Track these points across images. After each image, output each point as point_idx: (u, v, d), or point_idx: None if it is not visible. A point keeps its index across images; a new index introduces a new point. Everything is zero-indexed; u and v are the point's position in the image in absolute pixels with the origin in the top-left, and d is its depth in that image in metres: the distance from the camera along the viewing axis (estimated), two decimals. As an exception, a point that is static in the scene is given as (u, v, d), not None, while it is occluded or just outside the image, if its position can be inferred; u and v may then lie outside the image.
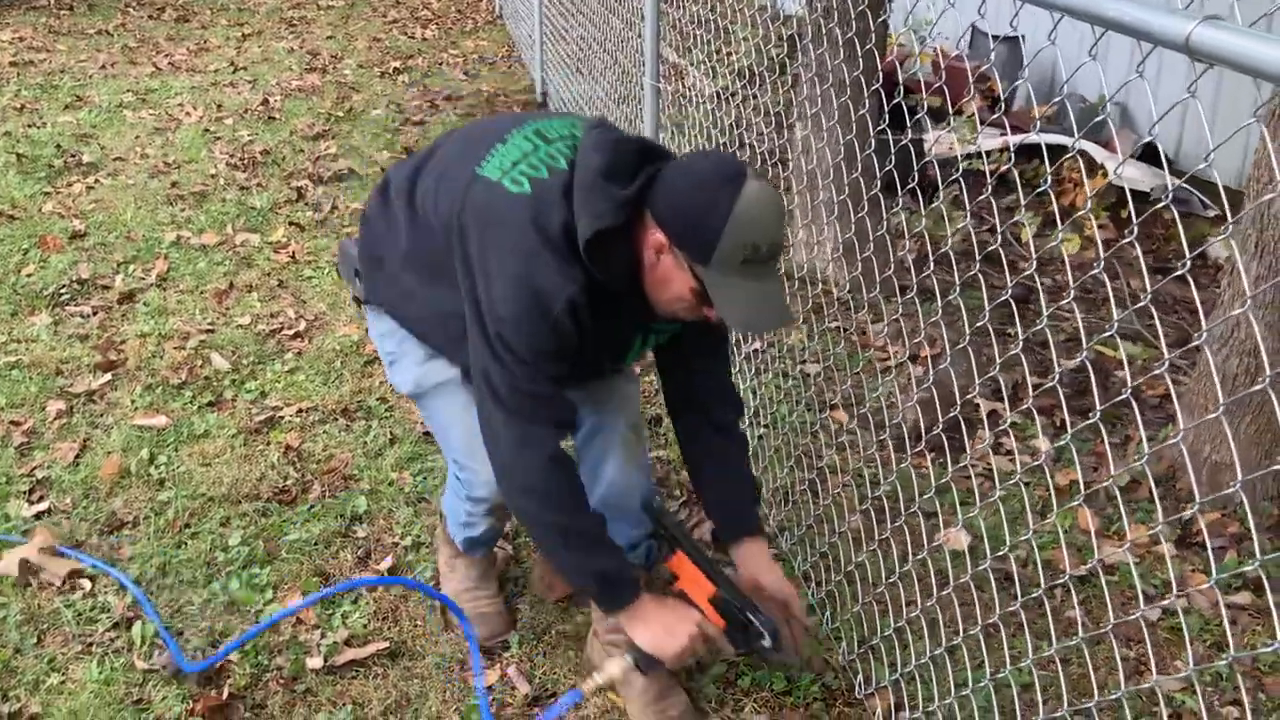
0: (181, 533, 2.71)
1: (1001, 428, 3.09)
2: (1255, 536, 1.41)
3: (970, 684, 2.16)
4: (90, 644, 2.35)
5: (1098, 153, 4.96)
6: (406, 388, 2.17)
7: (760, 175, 1.73)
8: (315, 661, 2.31)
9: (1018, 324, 3.10)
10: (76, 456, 2.99)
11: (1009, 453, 3.10)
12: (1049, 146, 4.77)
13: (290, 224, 4.59)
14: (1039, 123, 1.77)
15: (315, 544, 2.68)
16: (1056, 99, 5.41)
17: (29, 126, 5.71)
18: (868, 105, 3.24)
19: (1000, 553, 2.00)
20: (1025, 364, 1.99)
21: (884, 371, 3.45)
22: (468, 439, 2.03)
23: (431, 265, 1.95)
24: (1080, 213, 2.24)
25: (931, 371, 2.12)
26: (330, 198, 4.89)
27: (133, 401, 3.26)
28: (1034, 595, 1.87)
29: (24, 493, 2.83)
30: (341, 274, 2.29)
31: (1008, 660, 1.99)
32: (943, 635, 2.08)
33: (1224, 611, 1.87)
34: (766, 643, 1.92)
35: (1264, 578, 2.45)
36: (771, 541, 2.63)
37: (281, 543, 2.68)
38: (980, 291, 3.76)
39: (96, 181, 5.00)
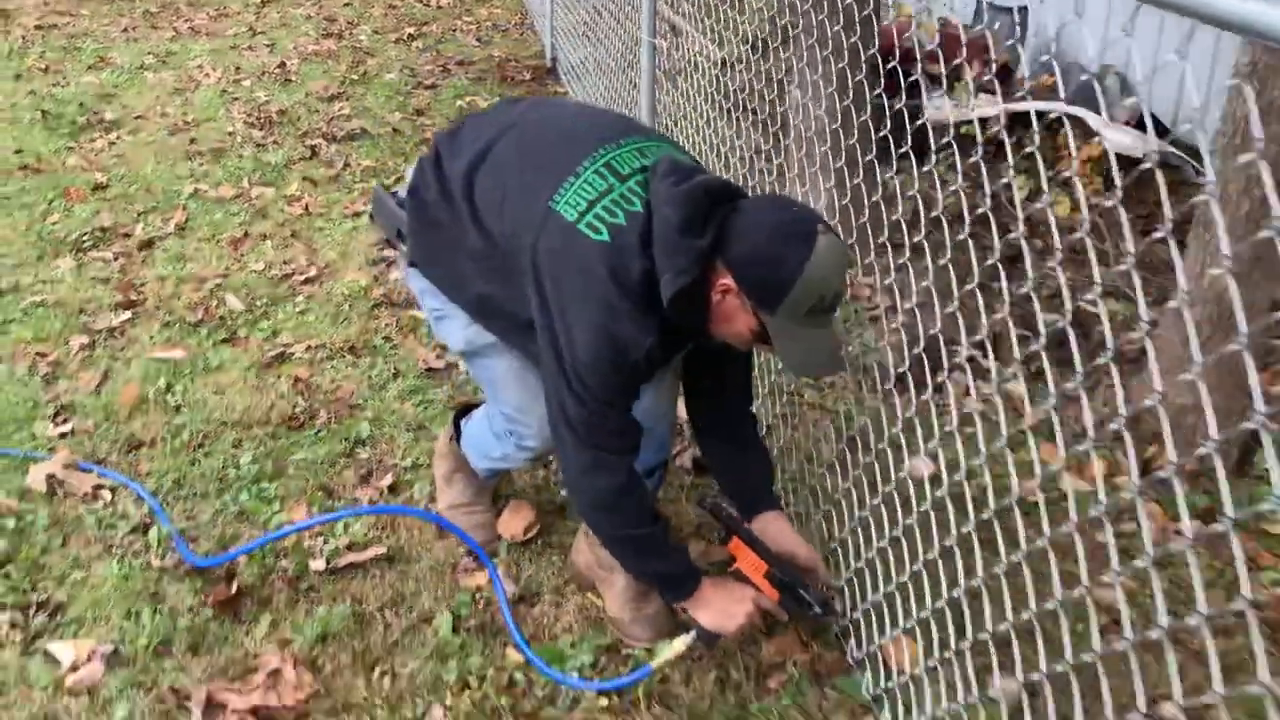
0: (195, 452, 2.91)
1: (990, 369, 3.25)
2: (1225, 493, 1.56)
3: (929, 600, 2.33)
4: (110, 546, 2.56)
5: (1093, 120, 5.10)
6: (457, 346, 2.27)
7: (830, 230, 1.84)
8: (318, 564, 2.51)
9: (1003, 279, 3.26)
10: (98, 385, 3.20)
11: (986, 398, 3.27)
12: (1041, 114, 4.93)
13: (304, 179, 4.78)
14: (1027, 92, 1.89)
15: (320, 463, 2.87)
16: (1039, 67, 5.54)
17: (53, 86, 5.92)
18: (864, 71, 3.40)
19: (957, 478, 2.14)
20: (1010, 320, 2.14)
21: (871, 321, 3.61)
22: (521, 396, 2.22)
23: (496, 271, 2.05)
24: (1066, 173, 2.40)
25: (918, 319, 2.28)
26: (343, 155, 5.08)
27: (151, 337, 3.47)
28: (984, 517, 1.99)
29: (49, 415, 3.04)
30: (376, 220, 2.41)
31: (961, 575, 2.13)
32: (907, 557, 2.25)
33: (1143, 520, 2.03)
34: (817, 610, 2.14)
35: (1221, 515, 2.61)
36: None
37: (289, 462, 2.88)
38: (968, 252, 3.90)
39: (118, 138, 5.21)
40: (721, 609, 2.13)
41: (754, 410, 2.37)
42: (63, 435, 2.96)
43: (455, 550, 2.57)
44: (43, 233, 4.17)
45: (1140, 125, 5.19)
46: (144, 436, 2.97)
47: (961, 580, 1.92)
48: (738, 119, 4.31)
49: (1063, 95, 1.83)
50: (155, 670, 2.22)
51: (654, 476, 2.31)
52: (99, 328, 3.51)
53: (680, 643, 2.16)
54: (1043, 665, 1.68)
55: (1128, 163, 4.85)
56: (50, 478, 2.75)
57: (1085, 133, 5.08)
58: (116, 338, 3.47)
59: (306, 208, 4.48)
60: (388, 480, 2.81)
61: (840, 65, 3.77)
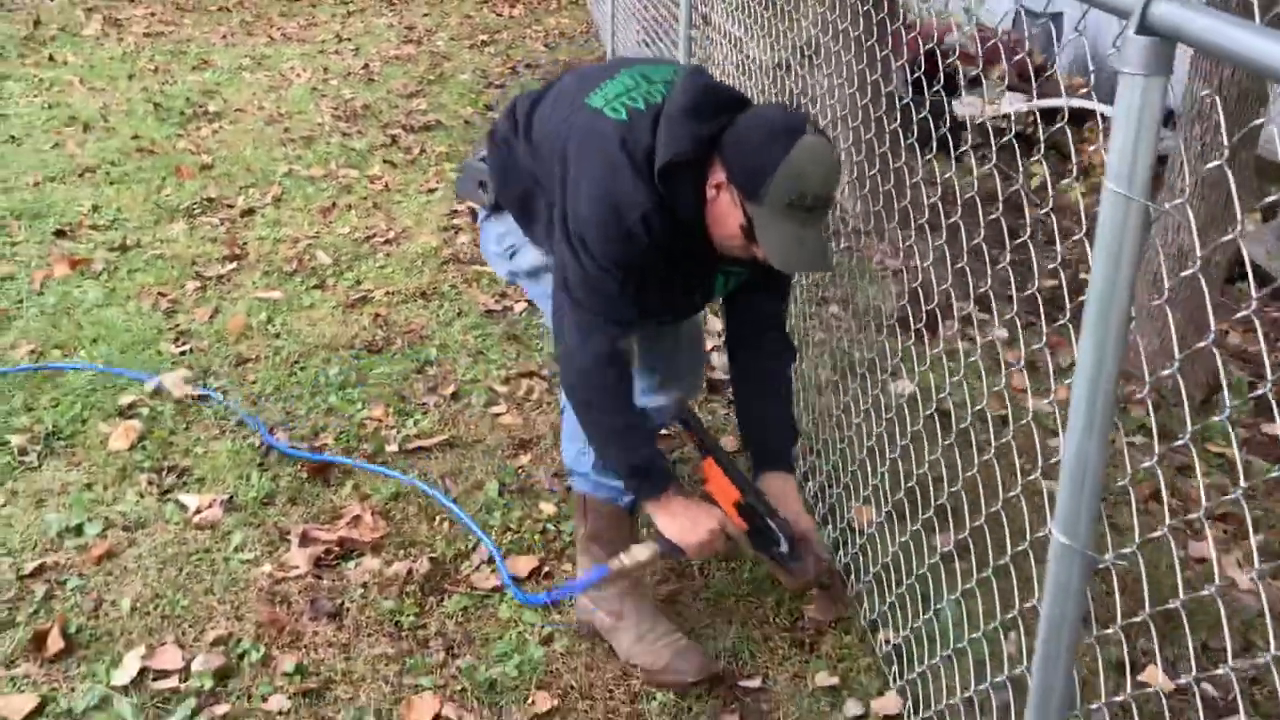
0: (292, 367, 3.53)
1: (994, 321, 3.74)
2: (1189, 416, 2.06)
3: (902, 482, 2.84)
4: (224, 430, 3.17)
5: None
6: (527, 265, 2.33)
7: (821, 132, 1.93)
8: (392, 446, 3.10)
9: (1006, 246, 3.76)
10: (210, 317, 3.84)
11: (971, 339, 3.77)
12: (1072, 111, 5.42)
13: (385, 162, 5.44)
14: (1032, 90, 2.42)
15: (395, 377, 3.47)
16: (1073, 68, 6.01)
17: (162, 84, 6.68)
18: (888, 64, 3.91)
19: (942, 397, 2.61)
20: (1013, 278, 2.64)
21: (881, 278, 4.13)
22: None
23: (547, 181, 2.15)
24: (1085, 163, 2.90)
25: (933, 277, 2.80)
26: (420, 143, 5.73)
27: (253, 282, 4.11)
28: (961, 429, 2.42)
29: (171, 339, 3.68)
30: (460, 191, 2.46)
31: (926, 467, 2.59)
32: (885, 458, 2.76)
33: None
34: (783, 548, 2.12)
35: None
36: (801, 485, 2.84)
37: (370, 375, 3.48)
38: (981, 228, 4.40)
39: (220, 127, 5.92)
40: (686, 523, 2.13)
41: (791, 373, 2.41)
42: (182, 353, 3.59)
43: (503, 439, 3.14)
44: (158, 202, 4.86)
45: (1168, 119, 5.64)
46: (249, 355, 3.59)
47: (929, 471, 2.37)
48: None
49: (1090, 94, 2.32)
50: (262, 515, 2.82)
51: (667, 410, 2.38)
52: (209, 275, 4.16)
53: (643, 549, 2.21)
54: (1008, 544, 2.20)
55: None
56: (176, 380, 3.38)
57: (1108, 129, 5.55)
58: (224, 283, 4.12)
59: (386, 185, 5.13)
60: (451, 389, 3.40)
61: (861, 67, 4.30)
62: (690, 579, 2.64)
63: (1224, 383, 1.53)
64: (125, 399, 3.28)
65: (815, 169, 1.90)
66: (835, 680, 2.33)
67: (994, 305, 2.40)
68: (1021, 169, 5.02)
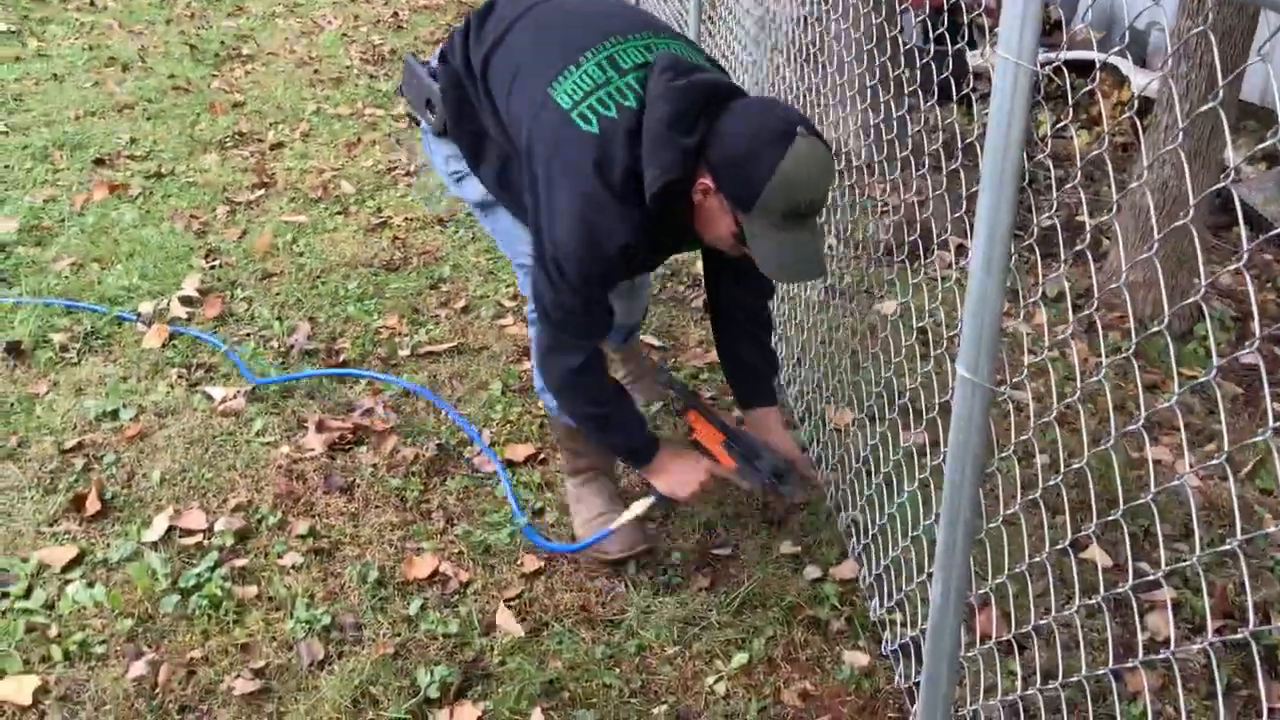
0: (315, 281, 3.78)
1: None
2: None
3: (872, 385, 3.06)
4: (249, 335, 3.43)
5: (1126, 67, 5.69)
6: (475, 198, 2.36)
7: (812, 132, 1.88)
8: (404, 351, 3.35)
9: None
10: (239, 237, 4.10)
11: (962, 267, 3.96)
12: (1085, 62, 5.57)
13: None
14: (1064, 45, 2.59)
15: (409, 292, 3.71)
16: (1087, 22, 6.14)
17: (198, 29, 6.93)
18: (895, 12, 4.07)
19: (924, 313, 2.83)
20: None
21: (878, 214, 4.32)
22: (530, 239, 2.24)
23: (505, 148, 2.18)
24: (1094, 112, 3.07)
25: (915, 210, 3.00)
26: (444, 86, 5.96)
27: (280, 208, 4.36)
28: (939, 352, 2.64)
29: (201, 255, 3.94)
30: (406, 93, 2.49)
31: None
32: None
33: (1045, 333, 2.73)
34: (770, 478, 2.31)
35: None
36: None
37: (387, 290, 3.72)
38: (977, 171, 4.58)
39: (253, 68, 6.17)
40: (677, 475, 2.30)
41: (769, 306, 2.49)
42: (212, 268, 3.85)
43: (508, 346, 3.38)
44: (193, 135, 5.12)
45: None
46: (274, 270, 3.85)
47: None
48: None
49: (1098, 47, 2.49)
50: (282, 406, 3.07)
51: (630, 338, 2.69)
52: (239, 200, 4.42)
53: (639, 505, 2.37)
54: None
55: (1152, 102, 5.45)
56: (198, 296, 3.64)
57: (1119, 80, 5.70)
58: (253, 208, 4.37)
59: (409, 123, 5.36)
60: (462, 303, 3.64)
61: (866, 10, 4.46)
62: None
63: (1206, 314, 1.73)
64: (158, 305, 3.54)
65: (809, 175, 1.87)
66: (798, 549, 2.56)
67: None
68: (1042, 117, 5.18)
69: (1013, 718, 2.06)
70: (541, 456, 2.90)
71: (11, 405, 3.01)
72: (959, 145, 2.02)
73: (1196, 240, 1.64)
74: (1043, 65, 5.89)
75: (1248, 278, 1.50)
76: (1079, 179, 1.76)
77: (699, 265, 2.84)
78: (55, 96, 5.55)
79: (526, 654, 2.28)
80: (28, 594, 2.38)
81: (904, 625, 2.24)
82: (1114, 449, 1.72)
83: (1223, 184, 3.12)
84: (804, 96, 3.52)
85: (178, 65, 6.14)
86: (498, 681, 2.21)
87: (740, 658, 2.27)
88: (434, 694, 2.17)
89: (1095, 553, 2.48)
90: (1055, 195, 1.86)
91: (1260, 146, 1.28)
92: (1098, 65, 1.75)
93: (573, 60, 2.03)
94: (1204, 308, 1.61)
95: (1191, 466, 2.93)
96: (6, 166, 4.63)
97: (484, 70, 2.16)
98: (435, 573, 2.48)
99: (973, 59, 5.65)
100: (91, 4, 7.34)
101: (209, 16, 7.23)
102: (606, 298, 2.10)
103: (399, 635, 2.32)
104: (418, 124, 2.47)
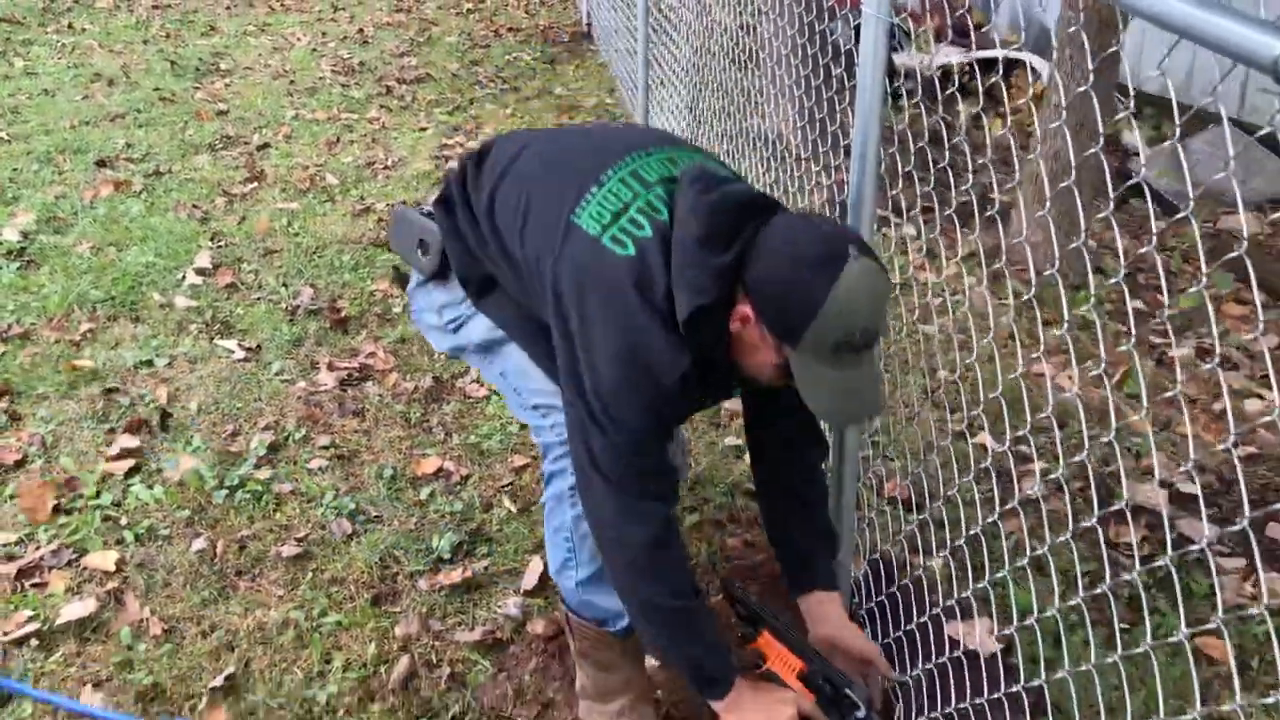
0: (311, 255, 4.29)
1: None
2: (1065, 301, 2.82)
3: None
4: (259, 299, 3.94)
5: (1039, 64, 6.35)
6: (479, 338, 2.08)
7: (866, 253, 1.65)
8: (397, 309, 3.87)
9: (931, 168, 4.56)
10: (239, 222, 4.60)
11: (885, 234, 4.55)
12: (1012, 60, 6.21)
13: (381, 107, 6.21)
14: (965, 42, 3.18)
15: (398, 261, 4.24)
16: (1004, 24, 6.79)
17: (176, 47, 7.43)
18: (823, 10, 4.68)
19: None
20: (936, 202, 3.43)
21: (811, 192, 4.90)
22: (549, 381, 1.98)
23: (526, 295, 1.95)
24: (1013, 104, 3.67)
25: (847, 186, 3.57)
26: (412, 92, 6.50)
27: (273, 198, 4.88)
28: None
29: (207, 238, 4.44)
30: (393, 244, 2.26)
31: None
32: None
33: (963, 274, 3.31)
34: (861, 713, 1.91)
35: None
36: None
37: (376, 261, 4.25)
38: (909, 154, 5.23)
39: (232, 81, 6.68)
40: (757, 716, 1.86)
41: (825, 466, 2.18)
42: (218, 247, 4.36)
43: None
44: (183, 140, 5.62)
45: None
46: (275, 248, 4.36)
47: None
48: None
49: (1014, 46, 3.08)
50: (295, 352, 3.58)
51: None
52: (234, 193, 4.92)
53: None
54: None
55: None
56: (210, 268, 4.14)
57: (1034, 75, 6.35)
58: (248, 199, 4.88)
59: (383, 125, 5.90)
60: (444, 270, 4.17)
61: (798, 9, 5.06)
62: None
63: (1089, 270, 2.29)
64: (174, 277, 4.04)
65: (864, 305, 1.63)
66: (739, 442, 3.11)
67: (907, 213, 3.17)
68: (960, 109, 5.82)
69: (913, 553, 2.60)
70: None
71: (57, 359, 3.50)
72: (894, 134, 2.30)
73: (1078, 199, 2.11)
74: (962, 64, 6.52)
75: (1115, 225, 1.93)
76: (990, 157, 2.32)
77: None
78: (49, 109, 6.04)
79: (520, 523, 2.81)
80: (97, 495, 2.88)
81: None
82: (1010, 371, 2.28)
83: (1095, 148, 3.70)
84: (749, 94, 4.07)
85: (160, 79, 6.64)
86: (498, 543, 2.74)
87: (693, 518, 2.81)
88: (446, 554, 2.69)
89: (985, 438, 3.05)
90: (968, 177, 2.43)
91: (1179, 128, 1.67)
92: (999, 61, 2.29)
93: (594, 180, 1.83)
94: (1085, 255, 2.02)
95: (1071, 378, 3.53)
96: (15, 169, 5.11)
97: (489, 209, 1.95)
98: (440, 470, 3.00)
99: (899, 59, 6.29)
100: (70, 27, 7.83)
101: (184, 36, 7.74)
102: (665, 443, 1.82)
103: (413, 515, 2.84)
104: (403, 287, 2.30)
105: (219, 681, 2.31)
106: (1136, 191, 5.32)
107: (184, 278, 4.04)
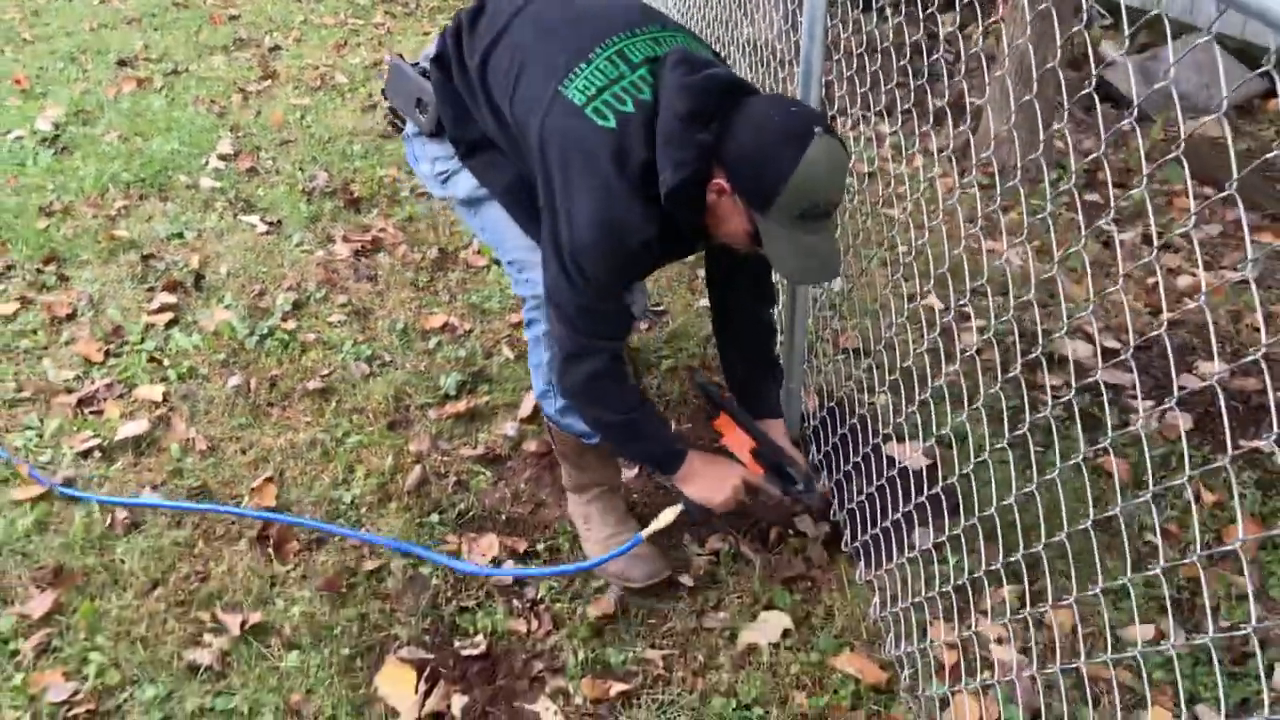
0: (324, 145, 4.64)
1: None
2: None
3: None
4: (277, 182, 4.29)
5: (1019, -27, 6.61)
6: (464, 193, 2.30)
7: (829, 131, 1.85)
8: (405, 192, 4.22)
9: (910, 79, 4.88)
10: (255, 116, 4.94)
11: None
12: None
13: (386, 13, 6.50)
14: None
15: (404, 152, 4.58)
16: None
17: (185, -45, 7.69)
18: None
19: None
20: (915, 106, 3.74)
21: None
22: (523, 236, 2.24)
23: (508, 148, 2.15)
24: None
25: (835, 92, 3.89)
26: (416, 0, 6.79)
27: (286, 94, 5.21)
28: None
29: (226, 129, 4.78)
30: (391, 94, 2.42)
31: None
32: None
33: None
34: (800, 486, 2.28)
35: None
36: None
37: (385, 149, 4.59)
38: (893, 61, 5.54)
39: (242, -12, 6.97)
40: (709, 483, 2.23)
41: (773, 314, 2.49)
42: (238, 137, 4.70)
43: (490, 184, 4.27)
44: (198, 42, 5.93)
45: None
46: (289, 139, 4.70)
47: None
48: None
49: None
50: (313, 226, 3.95)
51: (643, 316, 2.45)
52: (250, 90, 5.25)
53: (669, 513, 2.27)
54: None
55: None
56: (231, 154, 4.49)
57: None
58: (263, 95, 5.21)
59: (389, 29, 6.20)
60: (448, 158, 4.51)
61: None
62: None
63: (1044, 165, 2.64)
64: (198, 162, 4.39)
65: (827, 176, 1.86)
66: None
67: (881, 113, 3.50)
68: (940, 21, 6.11)
69: (861, 392, 2.98)
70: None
71: (96, 231, 3.86)
72: (876, 44, 2.70)
73: (1038, 108, 2.44)
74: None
75: (1067, 133, 2.24)
76: (964, 63, 2.66)
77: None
78: (68, 12, 6.34)
79: (518, 367, 3.19)
80: (142, 341, 3.26)
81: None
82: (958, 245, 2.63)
83: (1052, 63, 4.00)
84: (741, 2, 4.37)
85: (173, -15, 6.92)
86: (497, 383, 3.12)
87: (669, 363, 3.20)
88: (452, 391, 3.08)
89: (933, 301, 3.42)
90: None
91: (1132, 40, 1.89)
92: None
93: (583, 56, 1.99)
94: (1041, 161, 2.08)
95: (1021, 256, 3.89)
96: (42, 68, 5.44)
97: (481, 70, 2.12)
98: (445, 324, 3.38)
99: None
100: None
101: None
102: (625, 296, 2.10)
103: (423, 360, 3.22)
104: (399, 129, 2.48)
105: (258, 483, 2.71)
106: (1109, 98, 5.66)
107: (207, 163, 4.39)
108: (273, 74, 5.45)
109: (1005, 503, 1.93)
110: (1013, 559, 1.89)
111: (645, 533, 2.29)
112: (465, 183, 2.29)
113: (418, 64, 2.34)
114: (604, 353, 2.10)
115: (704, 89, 1.90)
